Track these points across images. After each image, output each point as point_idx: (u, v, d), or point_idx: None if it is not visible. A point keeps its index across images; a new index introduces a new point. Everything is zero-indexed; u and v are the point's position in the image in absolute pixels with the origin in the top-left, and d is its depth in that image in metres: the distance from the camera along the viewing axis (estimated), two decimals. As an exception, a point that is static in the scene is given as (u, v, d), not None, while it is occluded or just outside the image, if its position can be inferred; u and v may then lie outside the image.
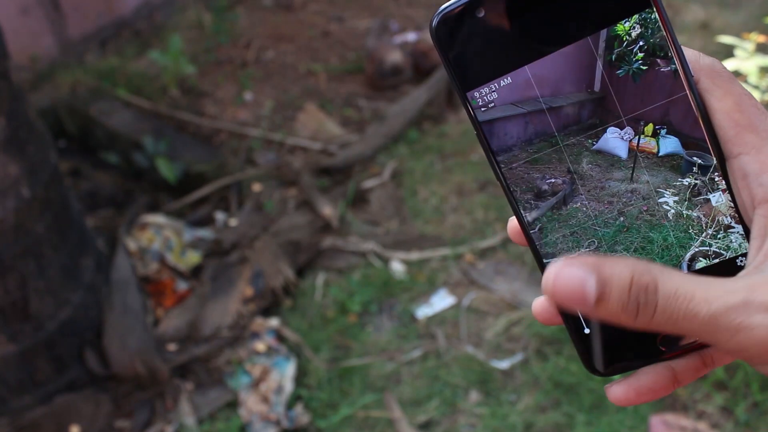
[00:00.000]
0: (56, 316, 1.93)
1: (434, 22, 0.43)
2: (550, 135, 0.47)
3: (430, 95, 3.04)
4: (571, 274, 0.33)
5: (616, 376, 0.44)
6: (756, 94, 1.75)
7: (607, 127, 0.47)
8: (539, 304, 0.45)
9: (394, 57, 3.23)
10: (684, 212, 0.45)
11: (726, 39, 1.82)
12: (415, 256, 2.41)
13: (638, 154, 0.46)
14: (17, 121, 1.79)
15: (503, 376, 2.03)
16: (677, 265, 0.45)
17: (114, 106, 2.99)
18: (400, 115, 2.98)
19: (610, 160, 0.47)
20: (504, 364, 2.06)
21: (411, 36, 3.49)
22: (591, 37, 0.43)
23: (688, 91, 0.43)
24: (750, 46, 1.74)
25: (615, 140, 0.47)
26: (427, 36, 3.32)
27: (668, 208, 0.46)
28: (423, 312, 2.23)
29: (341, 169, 2.78)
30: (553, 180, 0.48)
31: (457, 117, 3.08)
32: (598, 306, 0.33)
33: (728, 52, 1.92)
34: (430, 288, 2.30)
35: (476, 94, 0.45)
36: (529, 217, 0.46)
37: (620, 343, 0.44)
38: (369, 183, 2.73)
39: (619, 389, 0.41)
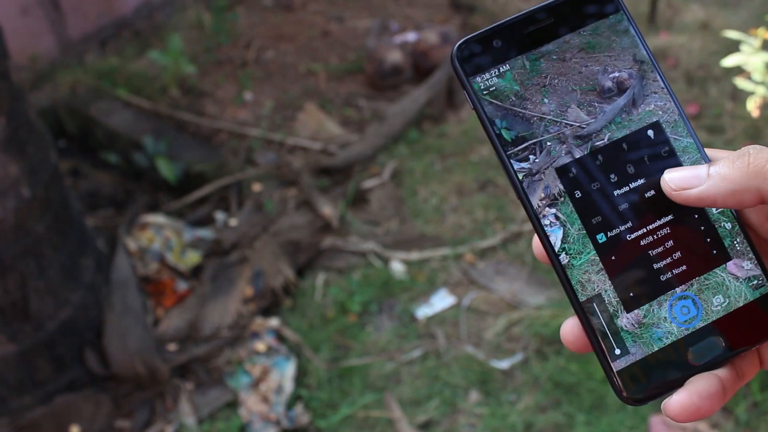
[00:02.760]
0: (56, 316, 1.93)
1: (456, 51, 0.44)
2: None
3: (430, 95, 3.04)
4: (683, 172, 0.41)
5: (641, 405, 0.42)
6: (761, 90, 1.74)
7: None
8: (569, 329, 0.43)
9: (394, 57, 3.23)
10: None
11: (732, 34, 1.81)
12: (415, 256, 2.40)
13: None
14: (17, 121, 1.79)
15: (503, 376, 2.03)
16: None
17: (114, 106, 2.99)
18: (400, 115, 2.98)
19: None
20: (504, 364, 2.06)
21: (411, 36, 3.49)
22: None
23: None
24: (756, 41, 1.73)
25: None
26: (427, 36, 3.32)
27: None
28: (423, 312, 2.23)
29: (341, 169, 2.78)
30: (617, 74, 0.44)
31: (457, 117, 3.08)
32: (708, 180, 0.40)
33: (729, 50, 1.92)
34: (430, 288, 2.30)
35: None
36: (590, 129, 0.44)
37: (653, 363, 0.42)
38: (369, 183, 2.73)
39: (679, 401, 0.39)
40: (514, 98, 0.43)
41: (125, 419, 1.97)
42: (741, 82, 1.77)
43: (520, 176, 0.43)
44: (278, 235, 2.43)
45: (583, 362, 2.01)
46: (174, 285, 2.30)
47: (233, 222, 2.57)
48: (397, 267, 2.38)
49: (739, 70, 1.82)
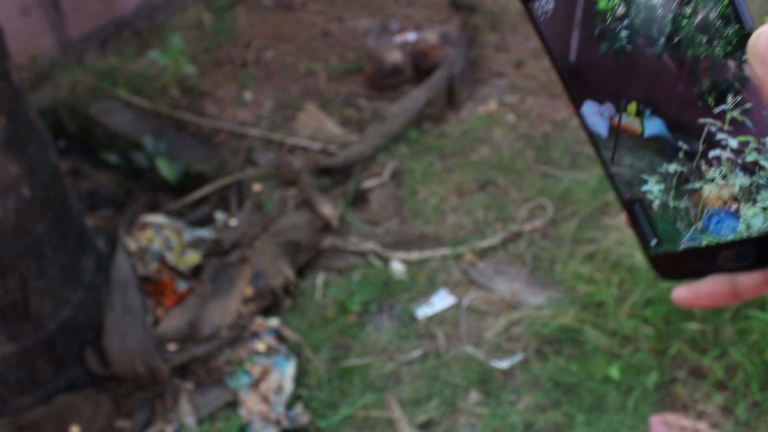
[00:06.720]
0: (56, 316, 1.93)
1: None
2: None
3: (430, 95, 3.04)
4: None
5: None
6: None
7: (585, 101, 0.44)
8: (682, 290, 0.45)
9: (394, 57, 3.23)
10: (670, 203, 0.42)
11: None
12: (415, 256, 2.41)
13: (620, 132, 0.43)
14: (17, 121, 1.79)
15: (503, 376, 2.03)
16: None
17: (114, 106, 2.99)
18: (400, 115, 2.98)
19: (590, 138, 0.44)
20: (504, 364, 2.06)
21: (411, 36, 3.49)
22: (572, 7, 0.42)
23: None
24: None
25: (593, 116, 0.43)
26: (427, 36, 3.32)
27: (652, 198, 0.43)
28: (423, 312, 2.23)
29: (341, 169, 2.78)
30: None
31: (457, 117, 3.08)
32: None
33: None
34: (430, 288, 2.30)
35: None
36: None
37: (683, 258, 0.43)
38: (369, 183, 2.73)
39: (682, 291, 0.44)
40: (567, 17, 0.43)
41: (125, 419, 1.97)
42: None
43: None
44: (278, 235, 2.43)
45: (583, 362, 2.01)
46: (174, 285, 2.30)
47: (233, 222, 2.57)
48: (397, 267, 2.38)
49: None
